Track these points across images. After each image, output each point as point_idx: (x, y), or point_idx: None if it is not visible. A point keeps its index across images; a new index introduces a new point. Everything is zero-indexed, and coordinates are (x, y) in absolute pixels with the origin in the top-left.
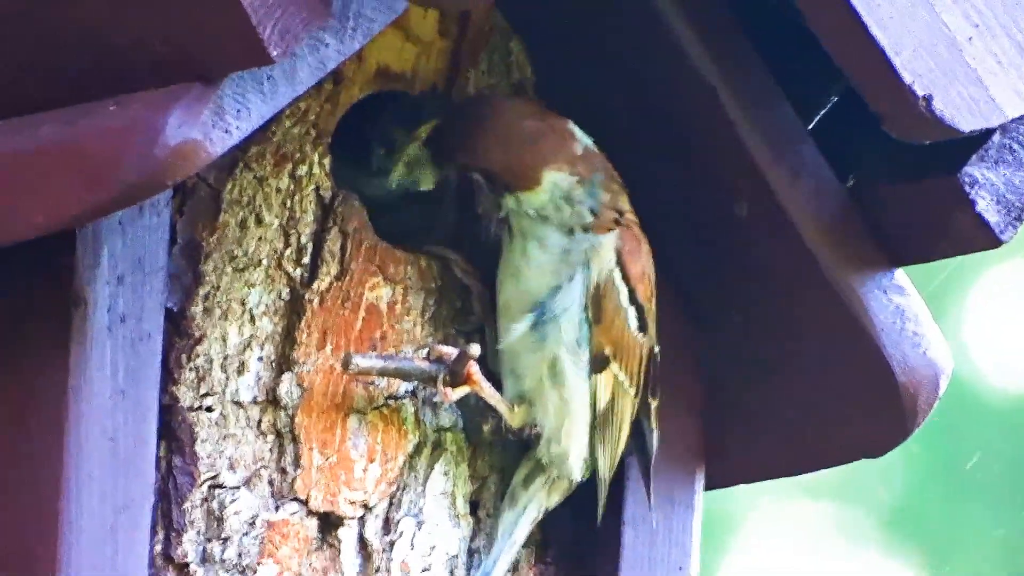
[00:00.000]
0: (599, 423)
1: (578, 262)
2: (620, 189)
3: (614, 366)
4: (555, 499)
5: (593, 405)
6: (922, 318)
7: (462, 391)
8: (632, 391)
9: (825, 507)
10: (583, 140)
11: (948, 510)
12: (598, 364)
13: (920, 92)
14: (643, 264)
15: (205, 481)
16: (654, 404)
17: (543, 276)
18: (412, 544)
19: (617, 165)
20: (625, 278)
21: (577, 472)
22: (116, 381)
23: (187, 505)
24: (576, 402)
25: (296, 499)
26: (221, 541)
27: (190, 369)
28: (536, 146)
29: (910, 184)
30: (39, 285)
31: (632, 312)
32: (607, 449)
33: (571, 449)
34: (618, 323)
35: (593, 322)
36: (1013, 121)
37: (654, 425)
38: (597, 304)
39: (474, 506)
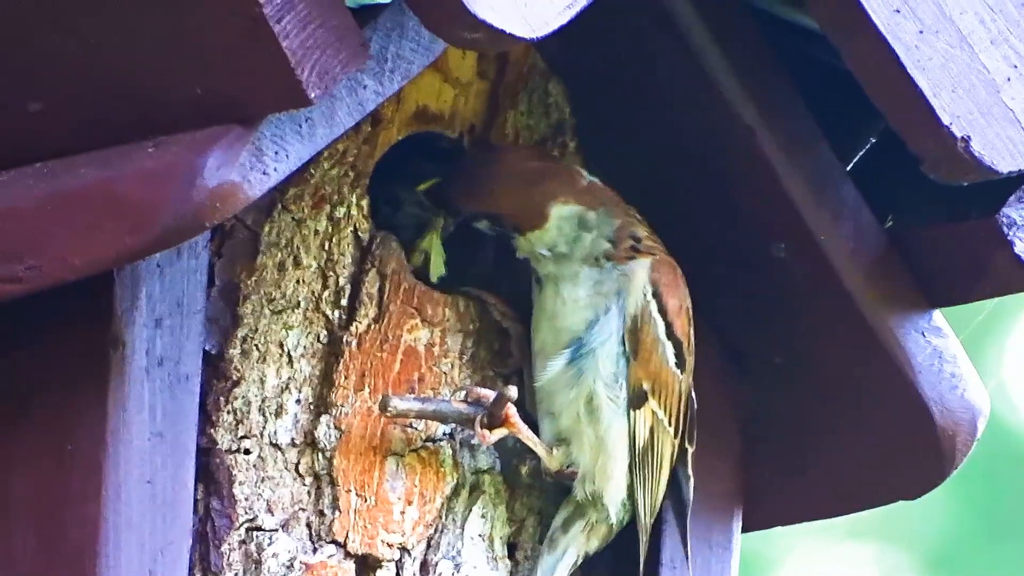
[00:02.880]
0: (638, 462)
1: (611, 292)
2: (633, 218)
3: (652, 402)
4: (595, 544)
5: (632, 443)
6: (960, 360)
7: (500, 433)
8: (672, 430)
9: (866, 548)
10: (587, 176)
11: (989, 551)
12: (636, 400)
13: (958, 133)
14: (680, 298)
15: (243, 524)
16: (691, 450)
17: (579, 311)
18: None
19: (655, 206)
20: (662, 311)
21: (615, 514)
22: (154, 423)
23: (225, 548)
24: (613, 439)
25: (334, 541)
26: None
27: (228, 411)
28: (542, 185)
29: (948, 225)
30: (77, 327)
31: (670, 347)
32: (647, 491)
33: (607, 488)
34: (656, 358)
35: (631, 356)
36: None
37: (691, 473)
38: (634, 337)
39: (512, 548)
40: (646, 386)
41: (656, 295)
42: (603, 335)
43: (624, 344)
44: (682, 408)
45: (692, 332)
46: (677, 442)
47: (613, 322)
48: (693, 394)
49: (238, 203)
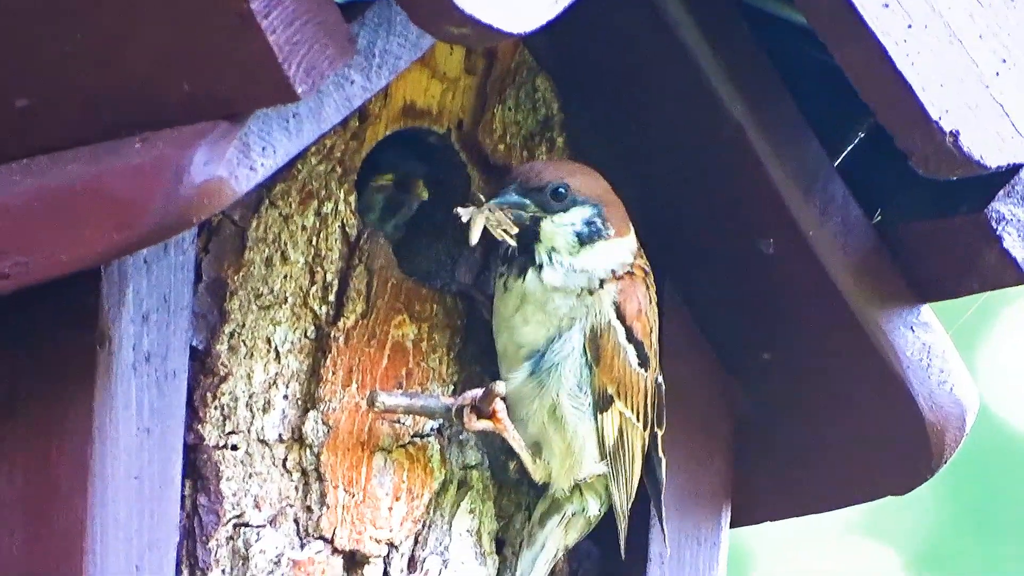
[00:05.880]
0: (610, 459)
1: (579, 316)
2: (638, 248)
3: (619, 404)
4: (573, 536)
5: (601, 443)
6: (948, 355)
7: (485, 424)
8: (640, 424)
9: (854, 543)
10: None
11: (977, 547)
12: (603, 404)
13: (947, 128)
14: (639, 301)
15: (230, 520)
16: (660, 433)
17: (540, 330)
18: None
19: (642, 202)
20: (621, 318)
21: (593, 508)
22: (141, 419)
23: (212, 544)
24: (579, 443)
25: (321, 537)
26: None
27: (215, 407)
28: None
29: (937, 220)
30: (64, 323)
31: (631, 350)
32: (621, 483)
33: (580, 487)
34: (618, 363)
35: (593, 364)
36: None
37: (662, 455)
38: (595, 346)
39: (500, 544)
40: (611, 390)
41: (615, 303)
42: (565, 350)
43: (586, 354)
44: (649, 401)
45: (654, 330)
46: (647, 433)
47: (576, 337)
48: (660, 379)
49: (225, 199)
